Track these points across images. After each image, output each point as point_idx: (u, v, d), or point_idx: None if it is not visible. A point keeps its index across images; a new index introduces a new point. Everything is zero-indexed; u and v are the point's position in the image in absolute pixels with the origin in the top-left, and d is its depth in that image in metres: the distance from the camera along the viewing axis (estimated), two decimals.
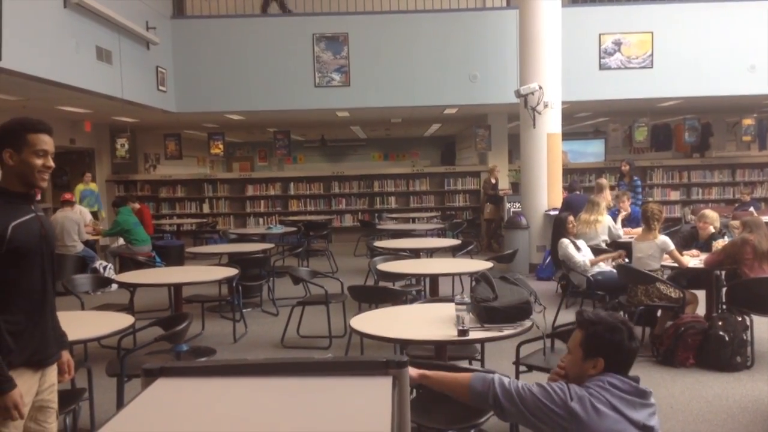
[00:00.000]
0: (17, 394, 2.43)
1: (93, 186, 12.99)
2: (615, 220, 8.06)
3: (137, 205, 10.52)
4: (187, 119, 13.16)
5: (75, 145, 13.54)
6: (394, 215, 14.23)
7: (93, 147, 14.40)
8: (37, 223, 2.60)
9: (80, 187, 12.83)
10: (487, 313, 3.70)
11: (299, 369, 1.71)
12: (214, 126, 15.38)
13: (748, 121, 14.05)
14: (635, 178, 11.23)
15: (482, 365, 4.64)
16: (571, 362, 2.34)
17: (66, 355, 2.84)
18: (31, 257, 2.55)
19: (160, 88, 10.85)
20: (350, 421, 1.42)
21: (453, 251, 8.26)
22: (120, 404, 4.21)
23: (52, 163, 2.62)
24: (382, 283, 6.48)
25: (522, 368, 4.25)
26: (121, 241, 9.85)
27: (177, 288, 6.36)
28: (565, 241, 6.82)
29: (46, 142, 2.61)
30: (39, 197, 12.27)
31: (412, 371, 2.33)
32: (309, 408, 1.52)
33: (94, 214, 11.81)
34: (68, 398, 3.88)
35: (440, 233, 10.99)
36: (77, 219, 9.65)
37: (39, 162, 2.58)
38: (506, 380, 2.30)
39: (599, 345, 2.27)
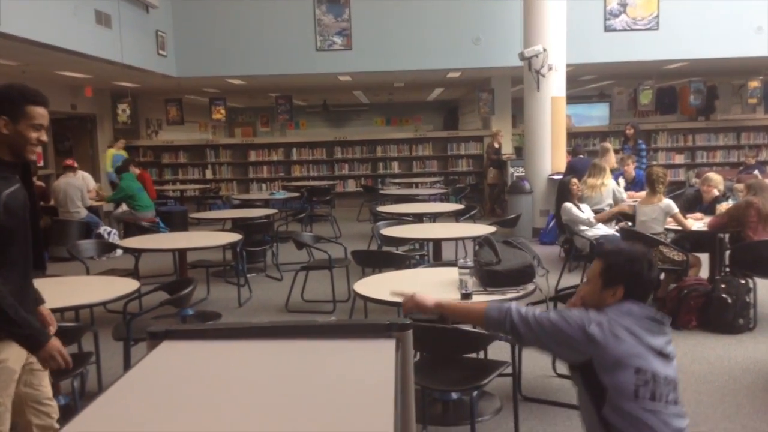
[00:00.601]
0: (55, 341, 2.48)
1: (123, 152, 12.99)
2: (617, 182, 8.04)
3: (137, 171, 10.50)
4: (188, 84, 13.06)
5: (76, 110, 13.47)
6: (397, 180, 14.19)
7: (94, 113, 14.33)
8: (23, 192, 2.60)
9: (112, 151, 12.86)
10: (490, 277, 3.71)
11: (303, 332, 1.72)
12: (216, 91, 15.28)
13: (754, 84, 13.90)
14: (640, 141, 11.16)
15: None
16: (590, 292, 2.37)
17: (44, 309, 2.86)
18: (20, 226, 2.56)
19: (160, 52, 10.75)
20: (354, 383, 1.43)
21: (456, 216, 8.25)
22: (127, 367, 4.25)
23: (45, 137, 2.61)
24: (385, 248, 6.50)
25: None
26: (125, 206, 9.86)
27: (181, 253, 6.39)
28: (568, 205, 6.82)
29: (44, 115, 2.57)
30: (41, 163, 12.29)
31: (428, 299, 2.41)
32: (313, 370, 1.53)
33: None
34: (75, 362, 3.92)
35: (443, 198, 10.98)
36: (80, 185, 9.66)
37: (34, 135, 2.55)
38: (523, 309, 2.31)
39: (619, 275, 2.29)
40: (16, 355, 2.54)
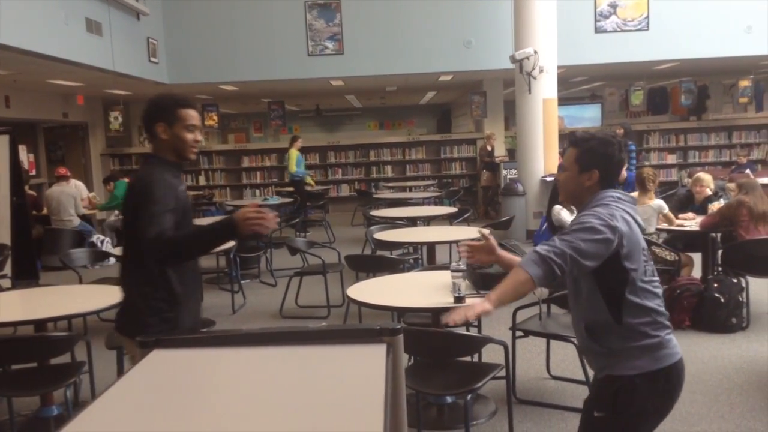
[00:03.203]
0: (237, 213, 2.61)
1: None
2: None
3: (127, 180, 10.48)
4: (180, 91, 12.89)
5: (68, 119, 13.44)
6: (390, 184, 14.20)
7: (86, 121, 14.30)
8: (185, 191, 2.85)
9: (294, 152, 12.67)
10: (483, 280, 3.71)
11: (293, 338, 1.72)
12: (208, 97, 15.27)
13: (744, 83, 13.98)
14: (629, 143, 11.19)
15: (479, 331, 4.67)
16: (567, 178, 2.49)
17: None
18: (187, 220, 2.81)
19: (152, 59, 10.74)
20: (344, 388, 1.43)
21: (450, 219, 8.26)
22: (120, 376, 4.24)
23: (200, 137, 2.82)
24: (379, 252, 6.50)
25: (518, 333, 4.28)
26: (118, 214, 9.84)
27: None
28: (557, 207, 6.83)
29: (195, 116, 2.79)
30: (33, 172, 12.24)
31: (486, 305, 2.24)
32: (304, 376, 1.53)
33: None
34: (69, 371, 3.92)
35: (437, 201, 11.00)
36: (73, 193, 9.64)
37: (190, 136, 2.76)
38: (549, 248, 2.24)
39: (593, 158, 2.41)
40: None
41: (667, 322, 2.38)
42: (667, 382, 2.32)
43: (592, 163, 2.41)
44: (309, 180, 13.18)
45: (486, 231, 2.73)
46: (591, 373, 2.61)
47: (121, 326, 2.79)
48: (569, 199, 2.56)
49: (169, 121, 2.72)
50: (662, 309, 2.37)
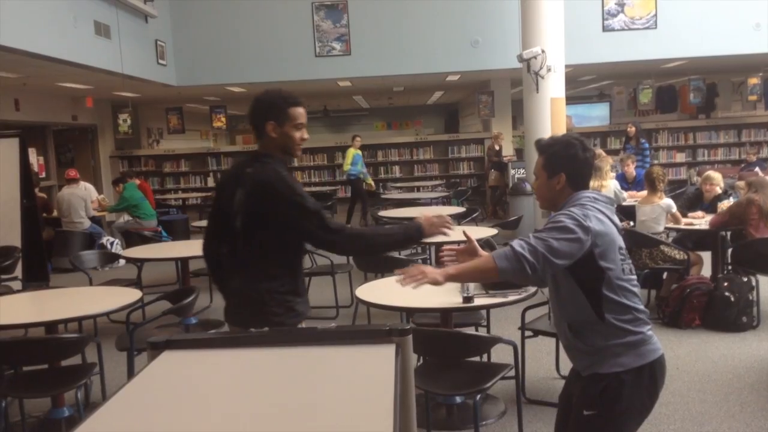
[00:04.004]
0: (420, 220, 2.85)
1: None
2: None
3: (137, 181, 10.53)
4: (189, 93, 13.09)
5: (77, 121, 13.51)
6: (398, 184, 14.19)
7: (95, 123, 14.37)
8: None
9: (352, 151, 12.92)
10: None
11: (303, 338, 1.73)
12: (216, 99, 15.30)
13: (753, 81, 13.89)
14: (642, 140, 11.15)
15: (488, 331, 4.67)
16: (540, 186, 2.57)
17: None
18: None
19: (160, 61, 10.78)
20: (354, 388, 1.44)
21: (458, 219, 8.25)
22: (130, 378, 4.27)
23: (307, 135, 2.86)
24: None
25: (528, 333, 4.27)
26: (127, 216, 9.89)
27: (184, 262, 6.40)
28: None
29: (303, 114, 2.84)
30: (43, 174, 12.31)
31: (438, 274, 2.36)
32: (313, 377, 1.53)
33: None
34: (79, 372, 3.94)
35: (445, 201, 10.99)
36: (83, 195, 9.69)
37: (297, 135, 2.82)
38: (525, 245, 2.31)
39: (558, 162, 2.48)
40: None
41: (648, 319, 2.43)
42: (650, 378, 2.37)
43: (558, 166, 2.48)
44: (368, 180, 13.30)
45: (469, 231, 2.76)
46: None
47: (241, 320, 2.86)
48: (546, 205, 2.60)
49: (279, 119, 2.78)
50: (641, 306, 2.41)
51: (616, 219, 2.45)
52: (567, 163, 2.47)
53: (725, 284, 5.61)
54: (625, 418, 2.37)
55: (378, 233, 2.92)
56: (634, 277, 2.43)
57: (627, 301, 2.36)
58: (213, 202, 3.00)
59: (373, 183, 13.79)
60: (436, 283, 2.35)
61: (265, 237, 2.73)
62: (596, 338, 2.37)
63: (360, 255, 2.48)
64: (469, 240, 2.58)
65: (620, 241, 2.41)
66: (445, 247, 2.63)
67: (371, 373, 1.50)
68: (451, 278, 2.40)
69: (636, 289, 2.41)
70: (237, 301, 2.89)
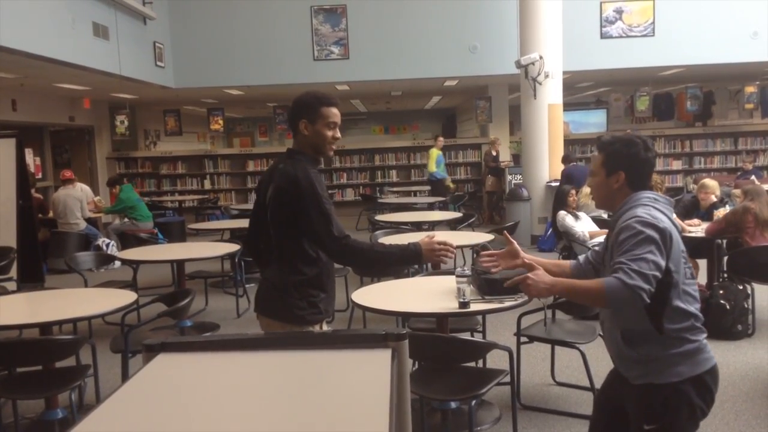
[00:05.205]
0: (423, 241, 2.93)
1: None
2: None
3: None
4: (186, 95, 13.09)
5: (74, 122, 13.50)
6: (395, 189, 14.19)
7: (92, 124, 14.35)
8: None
9: (435, 151, 12.99)
10: (488, 285, 3.70)
11: (299, 342, 1.72)
12: (214, 101, 15.31)
13: (750, 89, 13.95)
14: None
15: (483, 337, 4.67)
16: (597, 183, 2.51)
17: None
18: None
19: (158, 63, 10.78)
20: (349, 393, 1.43)
21: (454, 224, 8.25)
22: (125, 380, 4.25)
23: (339, 135, 2.90)
24: None
25: (523, 339, 4.27)
26: (123, 218, 9.87)
27: (180, 264, 6.38)
28: (562, 213, 6.82)
29: (336, 114, 2.88)
30: (39, 175, 12.27)
31: (543, 280, 2.29)
32: (308, 381, 1.53)
33: None
34: (74, 374, 3.93)
35: (442, 206, 10.98)
36: (79, 196, 9.66)
37: (330, 134, 2.86)
38: (630, 274, 2.15)
39: (618, 160, 2.42)
40: None
41: (704, 327, 2.37)
42: (707, 387, 2.32)
43: (618, 165, 2.42)
44: (448, 181, 13.30)
45: (508, 235, 2.74)
46: (597, 379, 2.60)
47: (270, 310, 2.95)
48: (602, 204, 2.55)
49: (311, 118, 2.83)
50: (700, 314, 2.35)
51: (676, 221, 2.39)
52: (627, 162, 2.41)
53: (721, 292, 5.61)
54: (687, 428, 2.32)
55: (376, 250, 2.97)
56: (695, 281, 2.36)
57: (689, 306, 2.30)
58: (256, 197, 3.08)
59: (452, 184, 13.76)
60: (541, 295, 2.34)
61: (293, 231, 2.80)
62: (652, 347, 2.29)
63: (353, 267, 2.55)
64: (509, 242, 2.56)
65: (682, 244, 2.33)
66: (483, 252, 2.62)
67: (367, 378, 1.50)
68: (553, 293, 2.37)
69: (697, 294, 2.34)
70: (265, 289, 2.99)
